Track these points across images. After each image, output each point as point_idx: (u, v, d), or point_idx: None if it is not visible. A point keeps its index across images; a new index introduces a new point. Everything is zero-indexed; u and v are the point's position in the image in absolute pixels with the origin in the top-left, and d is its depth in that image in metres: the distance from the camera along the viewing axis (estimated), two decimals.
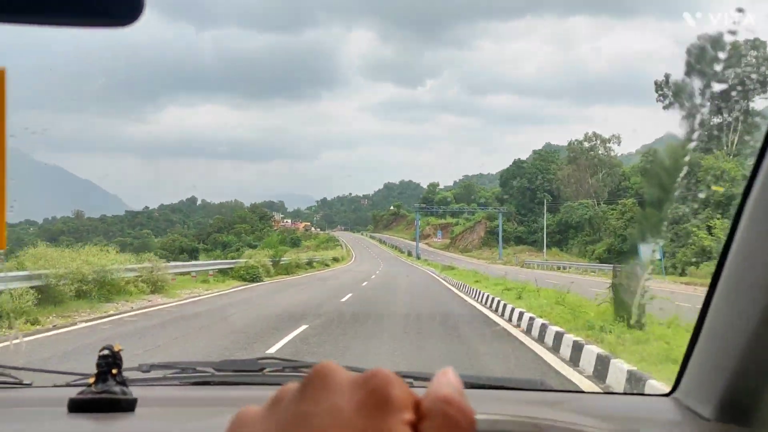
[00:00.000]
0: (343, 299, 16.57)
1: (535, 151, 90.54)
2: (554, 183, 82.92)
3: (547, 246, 74.70)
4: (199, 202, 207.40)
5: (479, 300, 17.05)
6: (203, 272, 23.29)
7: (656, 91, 57.69)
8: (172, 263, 21.31)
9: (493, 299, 15.32)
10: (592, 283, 20.99)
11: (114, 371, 1.22)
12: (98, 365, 1.22)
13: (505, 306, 13.41)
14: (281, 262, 32.75)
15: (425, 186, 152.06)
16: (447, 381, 0.37)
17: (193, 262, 30.29)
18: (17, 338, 8.71)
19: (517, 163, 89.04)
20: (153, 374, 1.64)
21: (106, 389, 1.19)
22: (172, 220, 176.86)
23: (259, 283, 24.32)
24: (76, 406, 1.18)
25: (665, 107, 62.18)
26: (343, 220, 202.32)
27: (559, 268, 43.14)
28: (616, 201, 62.89)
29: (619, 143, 69.80)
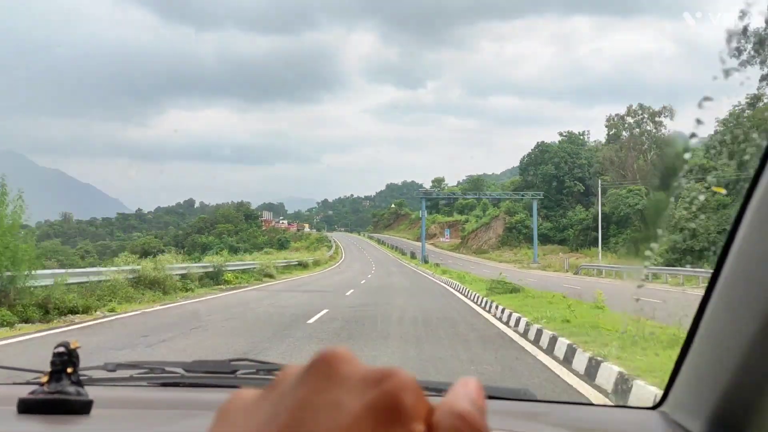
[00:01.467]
0: None
1: (561, 133, 76.26)
2: (586, 169, 68.60)
3: (579, 245, 60.48)
4: (197, 205, 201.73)
5: None
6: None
7: (728, 43, 43.16)
8: None
9: None
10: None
11: (69, 370, 1.14)
12: (52, 363, 1.14)
13: None
14: (225, 270, 23.68)
15: (428, 186, 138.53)
16: (466, 392, 0.34)
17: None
18: None
19: (541, 147, 74.61)
20: (119, 374, 1.56)
21: (59, 389, 1.12)
22: (166, 222, 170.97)
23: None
24: (26, 407, 1.11)
25: (742, 64, 47.81)
26: (344, 222, 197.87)
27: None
28: (673, 187, 48.57)
29: (671, 116, 56.16)
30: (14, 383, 1.48)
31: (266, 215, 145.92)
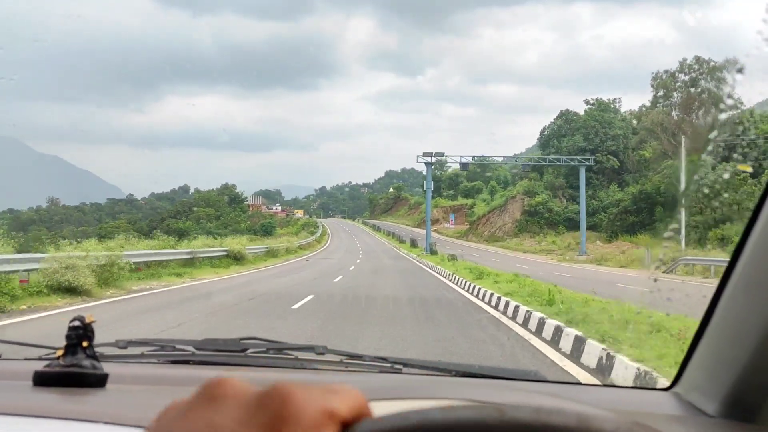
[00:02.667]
0: None
1: (588, 101, 64.34)
2: (621, 141, 56.89)
3: (614, 233, 48.90)
4: (191, 191, 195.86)
5: None
6: None
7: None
8: None
9: None
10: None
11: (85, 344, 1.15)
12: (67, 337, 1.15)
13: None
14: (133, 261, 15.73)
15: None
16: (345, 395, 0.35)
17: None
18: None
19: (566, 116, 62.83)
20: (130, 351, 1.57)
21: (74, 363, 1.13)
22: (157, 207, 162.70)
23: None
24: (42, 380, 1.12)
25: None
26: (342, 209, 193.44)
27: None
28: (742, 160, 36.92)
29: (739, 70, 44.28)
30: (27, 359, 1.49)
31: (255, 200, 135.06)
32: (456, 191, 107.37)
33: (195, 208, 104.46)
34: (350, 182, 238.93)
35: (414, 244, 52.83)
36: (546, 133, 64.74)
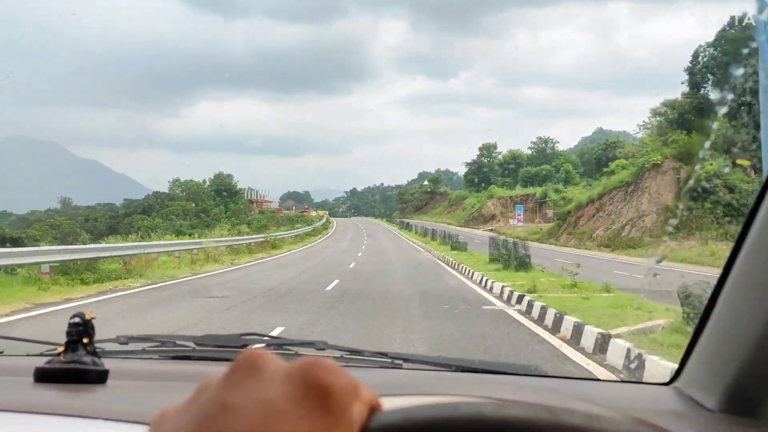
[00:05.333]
0: None
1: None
2: None
3: None
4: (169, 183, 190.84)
5: None
6: None
7: None
8: None
9: None
10: None
11: (85, 340, 1.16)
12: (68, 334, 1.15)
13: None
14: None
15: (476, 155, 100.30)
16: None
17: None
18: None
19: (740, 22, 35.79)
20: (131, 347, 1.59)
21: (75, 359, 1.14)
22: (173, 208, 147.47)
23: None
24: (43, 376, 1.13)
25: None
26: (372, 211, 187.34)
27: None
28: None
29: None
30: (29, 355, 1.50)
31: (258, 196, 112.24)
32: (514, 179, 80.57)
33: (169, 202, 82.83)
34: (381, 184, 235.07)
35: (508, 260, 18.65)
36: (703, 57, 37.70)
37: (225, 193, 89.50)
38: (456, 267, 21.44)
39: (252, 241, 30.45)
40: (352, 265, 21.72)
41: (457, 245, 30.40)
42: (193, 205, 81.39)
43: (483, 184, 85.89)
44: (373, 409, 0.36)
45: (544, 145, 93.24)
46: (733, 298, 1.05)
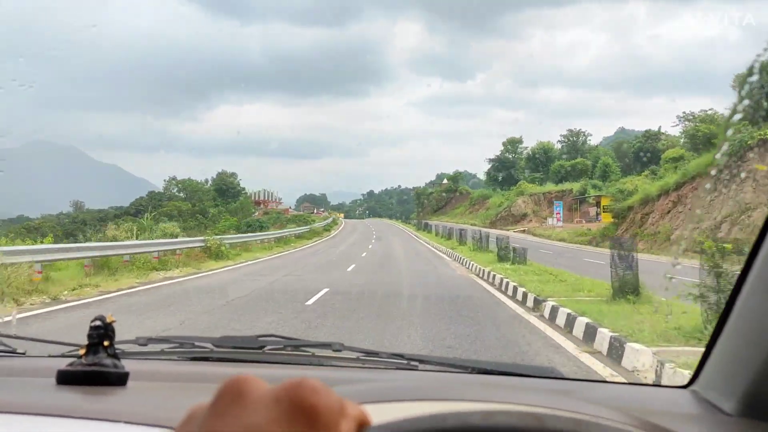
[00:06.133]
0: None
1: None
2: None
3: None
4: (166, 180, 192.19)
5: None
6: None
7: None
8: None
9: None
10: None
11: (106, 343, 1.18)
12: (89, 336, 1.18)
13: None
14: None
15: (499, 151, 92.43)
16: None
17: None
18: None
19: None
20: (150, 348, 1.62)
21: (96, 361, 1.16)
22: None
23: None
24: (65, 378, 1.15)
25: None
26: (389, 213, 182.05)
27: None
28: None
29: None
30: (51, 356, 1.52)
31: (271, 198, 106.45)
32: (545, 173, 72.15)
33: (166, 202, 76.31)
34: (399, 186, 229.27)
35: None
36: None
37: (228, 193, 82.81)
38: (541, 309, 9.82)
39: (174, 247, 19.56)
40: (311, 301, 10.60)
41: (506, 255, 19.44)
42: (190, 205, 74.61)
43: (507, 182, 77.91)
44: (362, 425, 0.36)
45: (575, 139, 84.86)
46: (751, 301, 1.03)
